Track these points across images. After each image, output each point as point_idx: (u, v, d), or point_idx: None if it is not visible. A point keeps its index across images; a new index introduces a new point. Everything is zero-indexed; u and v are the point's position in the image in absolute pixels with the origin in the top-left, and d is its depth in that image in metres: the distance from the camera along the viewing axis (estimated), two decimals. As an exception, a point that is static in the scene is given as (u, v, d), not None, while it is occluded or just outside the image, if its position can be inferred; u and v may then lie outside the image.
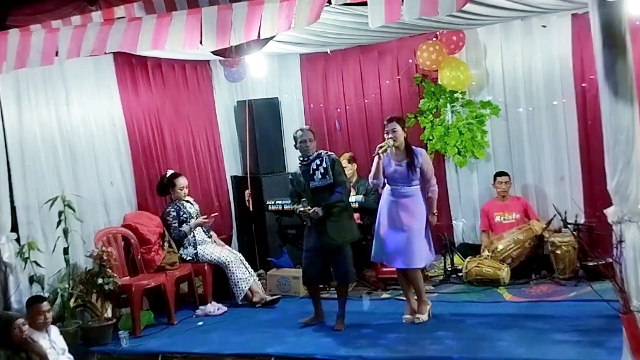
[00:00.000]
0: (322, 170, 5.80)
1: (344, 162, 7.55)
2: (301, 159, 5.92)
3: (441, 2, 3.58)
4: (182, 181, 6.90)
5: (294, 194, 6.05)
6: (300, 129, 6.03)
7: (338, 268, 5.91)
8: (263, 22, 4.00)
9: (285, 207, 7.10)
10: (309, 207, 5.77)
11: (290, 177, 6.14)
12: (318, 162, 5.84)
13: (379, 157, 5.66)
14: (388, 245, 5.74)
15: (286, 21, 3.97)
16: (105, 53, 4.63)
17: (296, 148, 5.96)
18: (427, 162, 5.79)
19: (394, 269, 6.02)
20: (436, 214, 5.85)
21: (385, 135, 5.73)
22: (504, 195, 7.19)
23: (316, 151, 5.92)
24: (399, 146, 5.71)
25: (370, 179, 5.84)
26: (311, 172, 5.83)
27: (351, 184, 7.48)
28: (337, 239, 5.78)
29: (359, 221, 7.37)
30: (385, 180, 5.80)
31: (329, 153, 6.00)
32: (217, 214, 7.16)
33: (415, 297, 5.87)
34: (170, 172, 7.00)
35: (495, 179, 7.23)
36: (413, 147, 5.81)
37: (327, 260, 5.89)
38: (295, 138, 5.94)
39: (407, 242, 5.66)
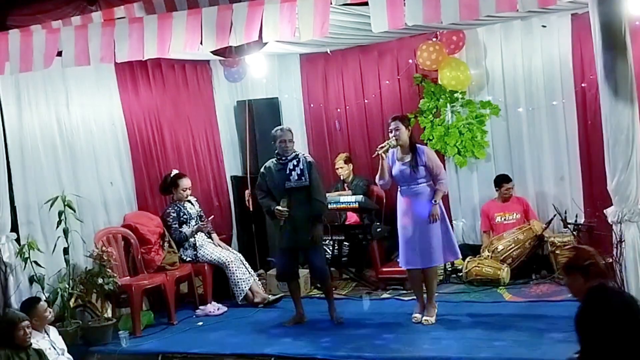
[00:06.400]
0: (299, 172, 5.84)
1: (340, 163, 7.61)
2: (278, 157, 5.93)
3: (444, 10, 3.57)
4: (185, 182, 6.90)
5: (264, 188, 6.01)
6: (280, 128, 6.05)
7: (316, 265, 6.02)
8: (265, 24, 3.98)
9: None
10: (287, 210, 5.79)
11: (262, 170, 6.06)
12: (295, 162, 5.88)
13: (382, 157, 5.66)
14: (411, 247, 5.67)
15: (289, 25, 3.95)
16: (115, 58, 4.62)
17: (274, 146, 5.97)
18: (431, 159, 5.71)
19: (394, 269, 5.99)
20: (435, 204, 5.60)
21: (389, 134, 5.73)
22: (508, 198, 7.17)
23: (293, 152, 5.94)
24: (403, 145, 5.69)
25: (377, 180, 5.84)
26: (287, 172, 5.86)
27: (346, 184, 7.54)
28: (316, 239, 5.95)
29: (358, 221, 7.40)
30: (395, 180, 5.78)
31: (305, 155, 6.04)
32: (212, 217, 7.14)
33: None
34: (175, 171, 6.99)
35: (500, 185, 7.15)
36: (418, 145, 5.78)
37: (299, 258, 6.07)
38: (274, 137, 5.95)
39: (428, 239, 5.61)
